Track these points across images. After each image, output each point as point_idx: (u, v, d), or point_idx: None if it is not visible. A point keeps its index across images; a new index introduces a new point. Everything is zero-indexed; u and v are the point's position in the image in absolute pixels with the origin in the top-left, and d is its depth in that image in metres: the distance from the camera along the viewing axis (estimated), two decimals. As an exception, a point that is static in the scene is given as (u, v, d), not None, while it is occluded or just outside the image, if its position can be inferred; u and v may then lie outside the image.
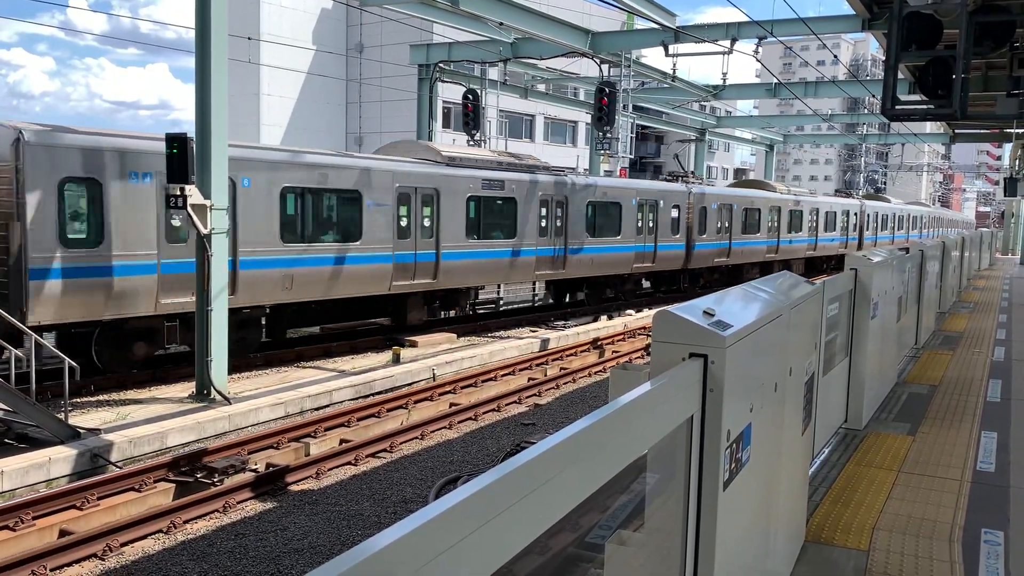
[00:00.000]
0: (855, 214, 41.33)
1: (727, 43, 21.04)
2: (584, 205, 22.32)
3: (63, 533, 8.26)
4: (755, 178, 40.64)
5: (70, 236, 12.31)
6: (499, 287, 24.21)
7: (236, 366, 14.28)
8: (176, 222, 13.08)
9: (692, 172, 32.14)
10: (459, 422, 12.96)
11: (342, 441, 11.55)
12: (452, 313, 21.30)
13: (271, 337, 16.77)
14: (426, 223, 18.00)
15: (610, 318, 22.95)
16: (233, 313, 13.49)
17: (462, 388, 14.68)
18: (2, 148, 11.95)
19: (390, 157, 18.17)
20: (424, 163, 18.34)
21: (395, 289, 17.47)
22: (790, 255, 34.12)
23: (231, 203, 13.47)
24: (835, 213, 38.70)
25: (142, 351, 13.82)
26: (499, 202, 19.81)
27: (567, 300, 24.96)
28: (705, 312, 2.87)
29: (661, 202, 25.54)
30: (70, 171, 12.25)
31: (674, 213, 26.18)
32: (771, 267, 32.50)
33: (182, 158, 11.64)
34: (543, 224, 21.07)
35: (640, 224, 24.64)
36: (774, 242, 32.54)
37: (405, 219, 17.48)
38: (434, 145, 20.82)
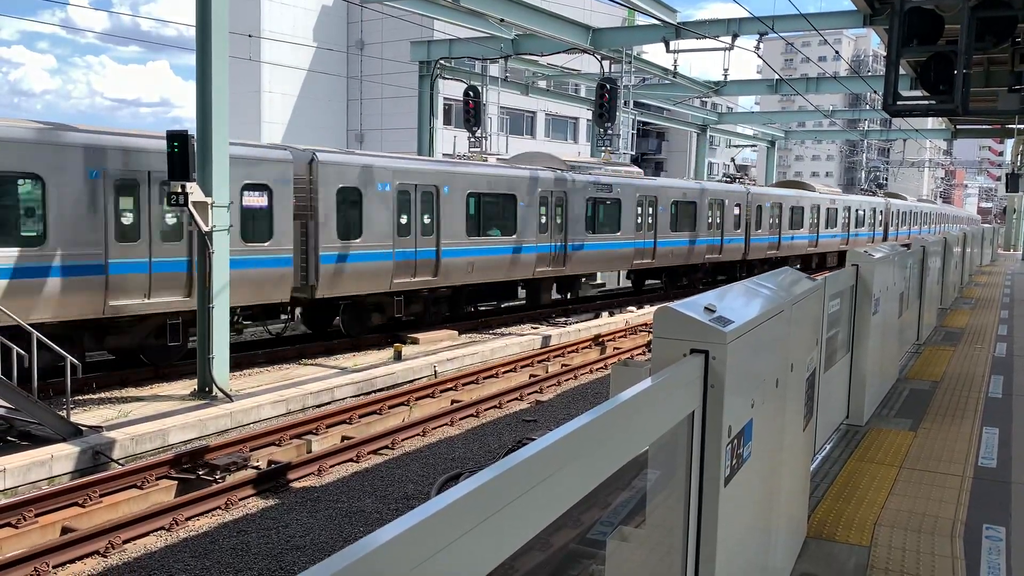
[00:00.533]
0: (881, 211, 44.75)
1: (728, 39, 20.99)
2: (669, 205, 26.15)
3: (65, 530, 8.28)
4: (795, 179, 43.89)
5: (341, 231, 16.24)
6: (596, 275, 27.53)
7: (238, 363, 14.30)
8: (404, 219, 17.46)
9: (745, 174, 37.30)
10: (461, 419, 12.97)
11: (344, 438, 11.56)
12: (568, 296, 24.76)
13: (451, 312, 20.23)
14: (557, 220, 21.71)
15: (611, 315, 22.95)
16: (433, 291, 18.69)
17: (464, 385, 14.68)
18: (300, 166, 15.55)
19: (528, 166, 21.76)
20: (555, 171, 22.10)
21: (538, 274, 21.49)
22: (827, 248, 37.59)
23: (435, 207, 17.96)
24: (864, 211, 41.98)
25: (377, 320, 17.85)
26: (608, 203, 23.53)
27: (644, 286, 29.36)
28: (706, 308, 2.87)
29: (726, 201, 29.09)
30: (345, 182, 16.25)
31: (735, 211, 29.74)
32: (811, 259, 37.22)
33: (183, 155, 11.64)
34: (639, 221, 24.84)
35: (711, 221, 28.30)
36: (814, 236, 35.89)
37: (544, 217, 21.19)
38: (557, 155, 24.93)
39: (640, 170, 27.00)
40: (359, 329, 17.69)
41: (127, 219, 13.08)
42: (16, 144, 11.79)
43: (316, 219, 15.66)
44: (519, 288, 22.47)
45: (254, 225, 14.76)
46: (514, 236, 20.26)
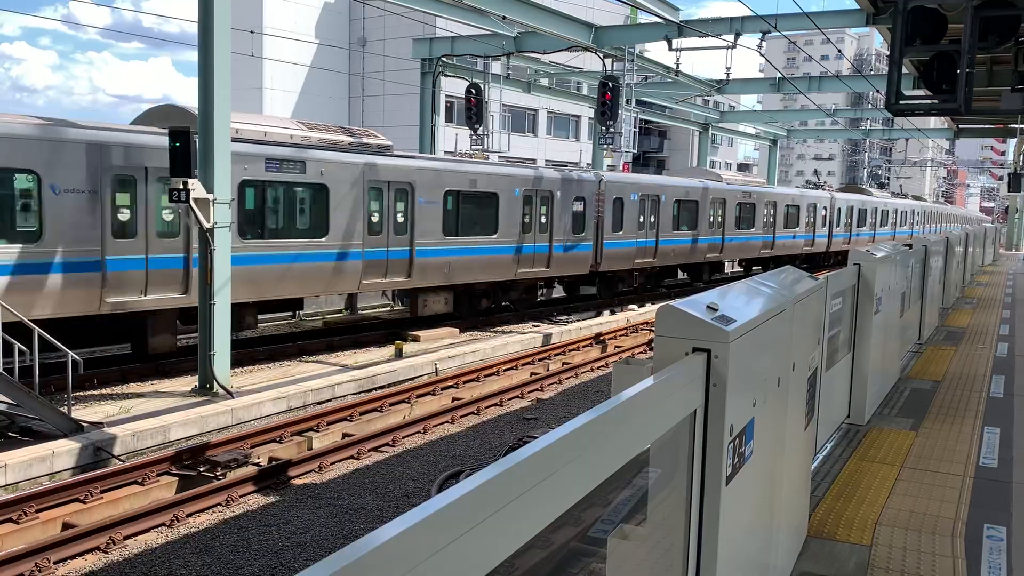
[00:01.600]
0: (918, 213, 53.62)
1: (731, 37, 20.96)
2: (783, 207, 33.59)
3: (66, 526, 8.29)
4: (854, 184, 48.45)
5: (613, 228, 23.31)
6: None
7: (238, 360, 14.31)
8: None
9: (825, 182, 47.13)
10: (461, 416, 12.97)
11: (344, 435, 11.57)
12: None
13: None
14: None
15: (612, 313, 22.94)
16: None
17: (464, 383, 14.68)
18: (592, 183, 22.58)
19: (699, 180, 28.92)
20: (646, 175, 28.69)
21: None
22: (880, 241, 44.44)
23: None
24: (905, 211, 50.59)
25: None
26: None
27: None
28: (708, 307, 2.87)
29: (817, 204, 36.68)
30: (617, 194, 23.31)
31: (822, 212, 37.29)
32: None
33: (184, 152, 11.64)
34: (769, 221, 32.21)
35: (809, 220, 36.05)
36: (873, 233, 43.72)
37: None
38: (718, 172, 31.73)
39: (763, 180, 36.76)
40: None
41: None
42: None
43: None
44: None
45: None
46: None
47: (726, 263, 32.67)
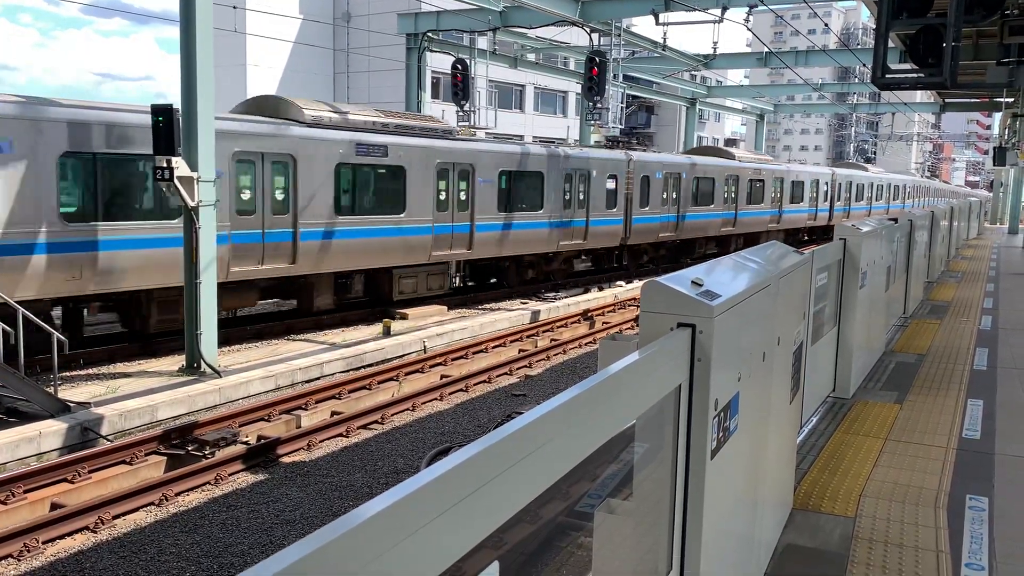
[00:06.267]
0: (909, 187, 55.98)
1: (717, 12, 20.87)
2: (790, 183, 35.80)
3: (55, 506, 8.28)
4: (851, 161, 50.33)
5: (640, 204, 24.85)
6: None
7: (226, 339, 14.28)
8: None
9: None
10: (450, 393, 13.00)
11: (333, 413, 11.58)
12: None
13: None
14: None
15: (600, 289, 22.99)
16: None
17: (453, 360, 14.70)
18: (622, 162, 24.05)
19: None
20: (732, 161, 30.62)
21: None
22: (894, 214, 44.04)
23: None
24: (898, 186, 52.65)
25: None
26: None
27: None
28: (693, 282, 2.87)
29: (820, 180, 38.64)
30: (645, 172, 24.87)
31: (825, 188, 39.27)
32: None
33: (168, 129, 11.52)
34: (776, 194, 34.16)
35: (812, 195, 37.99)
36: (869, 207, 45.73)
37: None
38: (730, 149, 33.36)
39: (770, 157, 38.33)
40: None
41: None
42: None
43: None
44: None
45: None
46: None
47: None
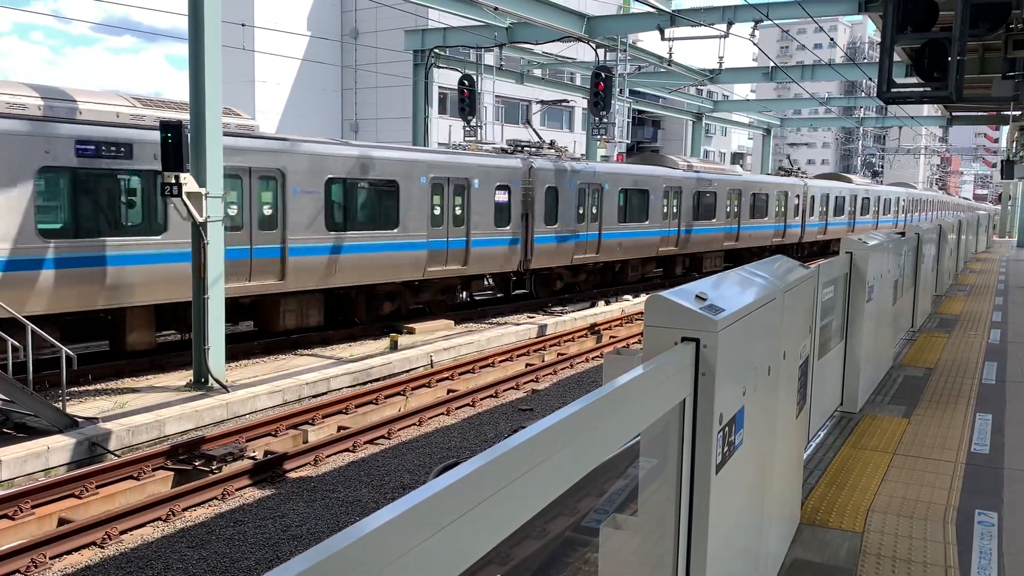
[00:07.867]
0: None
1: (723, 27, 20.93)
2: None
3: (62, 521, 8.29)
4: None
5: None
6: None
7: (233, 354, 14.30)
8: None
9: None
10: (457, 408, 12.99)
11: (340, 428, 11.58)
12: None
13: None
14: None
15: (607, 303, 22.98)
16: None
17: (460, 374, 14.70)
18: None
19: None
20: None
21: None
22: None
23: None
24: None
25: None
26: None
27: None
28: (697, 296, 2.88)
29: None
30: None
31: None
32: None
33: (176, 145, 11.60)
34: (779, 209, 34.26)
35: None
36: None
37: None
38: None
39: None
40: None
41: None
42: None
43: None
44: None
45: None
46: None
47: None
